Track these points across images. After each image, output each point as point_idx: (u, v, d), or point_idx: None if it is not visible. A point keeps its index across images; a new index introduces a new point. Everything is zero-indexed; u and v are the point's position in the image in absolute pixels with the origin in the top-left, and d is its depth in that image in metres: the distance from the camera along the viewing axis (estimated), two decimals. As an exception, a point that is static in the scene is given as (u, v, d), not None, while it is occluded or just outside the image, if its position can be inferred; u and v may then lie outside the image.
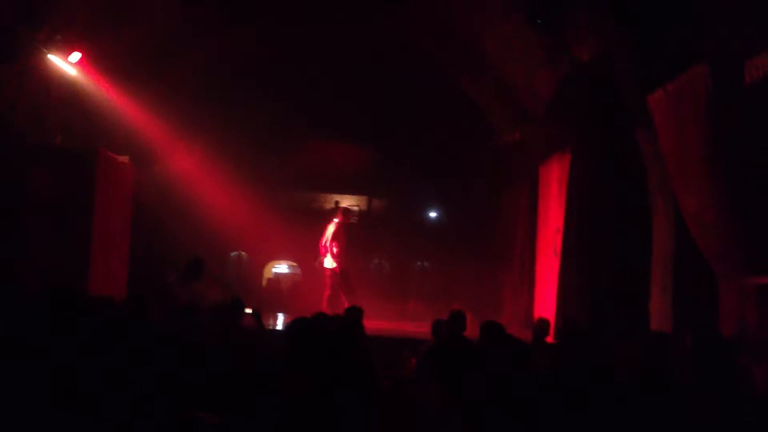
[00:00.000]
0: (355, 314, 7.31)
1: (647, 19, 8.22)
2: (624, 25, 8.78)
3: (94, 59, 10.35)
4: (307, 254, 18.03)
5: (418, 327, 11.74)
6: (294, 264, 19.13)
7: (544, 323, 8.12)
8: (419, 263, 17.81)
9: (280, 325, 12.12)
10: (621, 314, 9.42)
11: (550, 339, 8.26)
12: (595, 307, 9.89)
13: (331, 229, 12.51)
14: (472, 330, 6.85)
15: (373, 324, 9.54)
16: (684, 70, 7.51)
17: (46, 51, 9.63)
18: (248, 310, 7.57)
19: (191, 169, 14.82)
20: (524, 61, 11.53)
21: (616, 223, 9.91)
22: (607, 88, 9.55)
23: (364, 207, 19.48)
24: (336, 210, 13.58)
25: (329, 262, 12.40)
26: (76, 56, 10.02)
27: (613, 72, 9.46)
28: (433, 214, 18.81)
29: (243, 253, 18.23)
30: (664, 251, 9.03)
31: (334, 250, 12.30)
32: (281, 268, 19.67)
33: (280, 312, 13.81)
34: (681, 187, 8.06)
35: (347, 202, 19.31)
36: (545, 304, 11.72)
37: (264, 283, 17.86)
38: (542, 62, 11.07)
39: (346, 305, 12.44)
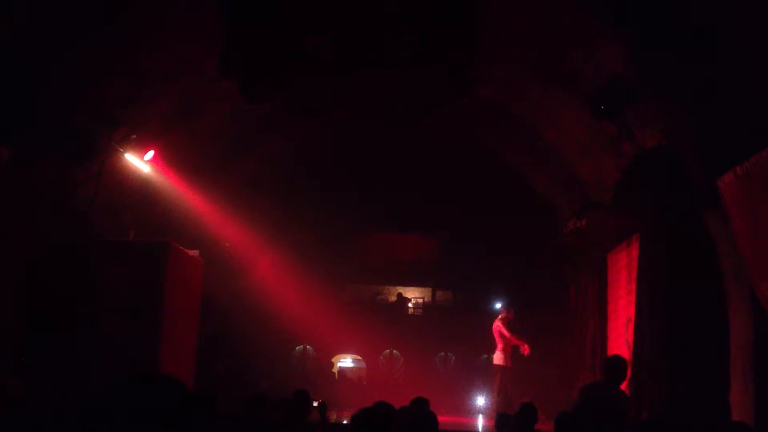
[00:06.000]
0: (422, 407, 7.13)
1: (713, 102, 8.15)
2: (690, 108, 8.71)
3: (167, 157, 10.76)
4: (372, 348, 17.98)
5: (486, 421, 11.45)
6: (359, 358, 18.97)
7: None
8: (485, 356, 17.45)
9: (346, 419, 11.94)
10: (699, 407, 8.98)
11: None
12: (671, 400, 9.46)
13: (497, 325, 12.53)
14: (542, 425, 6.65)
15: (439, 418, 9.31)
16: (755, 151, 7.36)
17: (122, 150, 10.06)
18: (315, 403, 7.51)
19: (259, 264, 15.04)
20: (588, 148, 11.50)
21: (690, 311, 9.52)
22: (675, 173, 9.39)
23: (428, 299, 19.37)
24: (501, 307, 13.57)
25: (498, 359, 12.37)
26: (149, 154, 10.44)
27: (680, 156, 9.34)
28: (498, 306, 18.55)
29: (308, 347, 18.19)
30: (743, 339, 8.65)
31: (501, 346, 12.31)
32: (346, 361, 19.52)
33: (348, 406, 13.62)
34: (756, 271, 7.77)
35: (411, 294, 19.27)
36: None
37: (336, 376, 17.71)
38: (606, 149, 11.02)
39: (516, 405, 12.29)
